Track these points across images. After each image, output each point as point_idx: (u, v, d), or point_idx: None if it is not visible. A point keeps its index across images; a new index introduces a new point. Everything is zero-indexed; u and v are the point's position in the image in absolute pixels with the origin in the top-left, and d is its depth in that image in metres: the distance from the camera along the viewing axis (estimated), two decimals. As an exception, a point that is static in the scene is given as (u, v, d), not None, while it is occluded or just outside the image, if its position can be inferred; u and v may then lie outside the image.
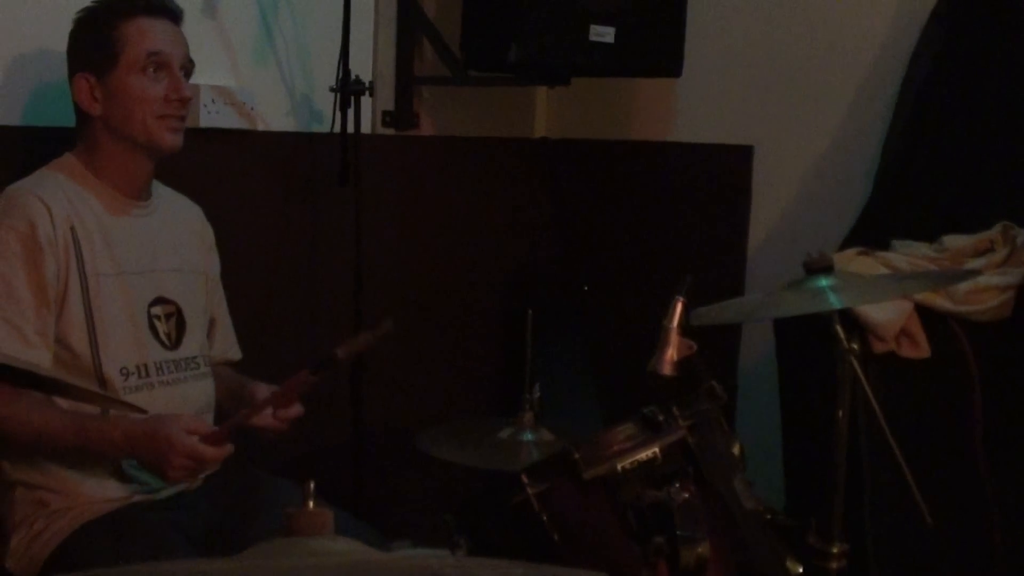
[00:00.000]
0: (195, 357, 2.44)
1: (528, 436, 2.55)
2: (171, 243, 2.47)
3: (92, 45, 2.36)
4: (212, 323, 2.59)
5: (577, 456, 2.03)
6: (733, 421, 3.25)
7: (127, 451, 2.20)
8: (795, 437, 3.10)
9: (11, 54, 2.60)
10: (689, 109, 3.70)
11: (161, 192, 2.51)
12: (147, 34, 2.35)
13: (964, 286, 2.95)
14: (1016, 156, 3.23)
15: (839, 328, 2.20)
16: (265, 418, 2.37)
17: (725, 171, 3.62)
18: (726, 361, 3.49)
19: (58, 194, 2.29)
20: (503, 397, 3.53)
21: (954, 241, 3.13)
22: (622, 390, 2.21)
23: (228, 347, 2.65)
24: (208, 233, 2.62)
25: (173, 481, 2.25)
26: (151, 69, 2.34)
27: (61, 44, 2.42)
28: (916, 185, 3.30)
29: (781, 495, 3.10)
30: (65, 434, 2.18)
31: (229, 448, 2.22)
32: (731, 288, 3.47)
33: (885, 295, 2.67)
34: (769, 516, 2.19)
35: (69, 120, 2.42)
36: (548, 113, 4.00)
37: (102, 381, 2.26)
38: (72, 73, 2.37)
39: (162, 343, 2.38)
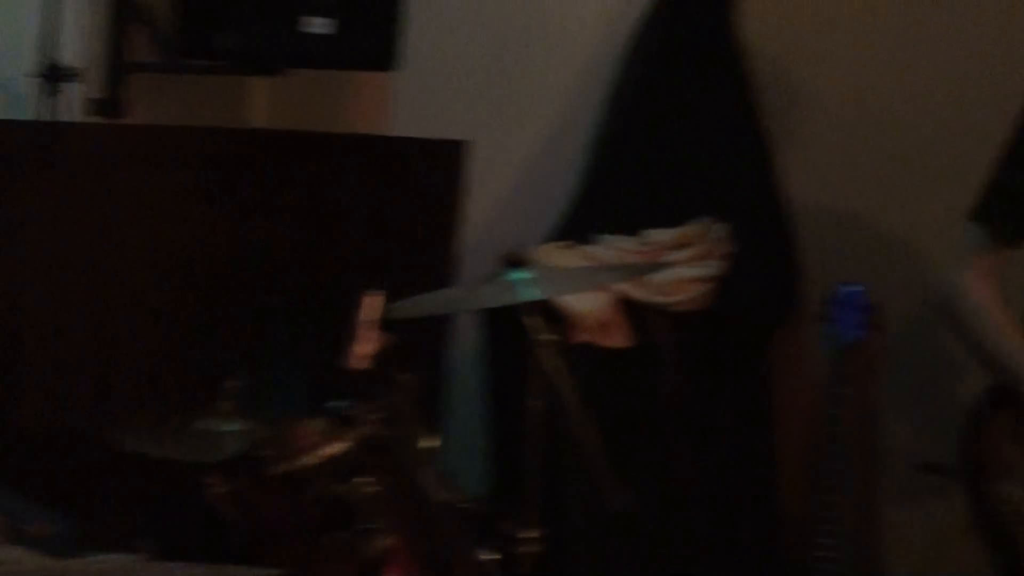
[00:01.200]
0: None
1: (227, 426, 2.50)
2: None
3: None
4: None
5: (264, 453, 2.02)
6: (444, 414, 3.29)
7: None
8: (498, 427, 3.16)
9: None
10: (406, 104, 3.70)
11: None
12: None
13: (663, 277, 3.07)
14: (717, 156, 3.38)
15: (528, 319, 2.26)
16: None
17: (438, 166, 3.63)
18: (434, 355, 3.52)
19: None
20: (207, 390, 3.46)
21: (657, 235, 3.26)
22: (334, 384, 2.21)
23: None
24: None
25: None
26: None
27: None
28: (623, 182, 3.41)
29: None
30: None
31: None
32: (443, 283, 3.49)
33: (581, 286, 2.76)
34: (464, 506, 2.22)
35: None
36: (269, 104, 3.93)
37: None
38: None
39: None
